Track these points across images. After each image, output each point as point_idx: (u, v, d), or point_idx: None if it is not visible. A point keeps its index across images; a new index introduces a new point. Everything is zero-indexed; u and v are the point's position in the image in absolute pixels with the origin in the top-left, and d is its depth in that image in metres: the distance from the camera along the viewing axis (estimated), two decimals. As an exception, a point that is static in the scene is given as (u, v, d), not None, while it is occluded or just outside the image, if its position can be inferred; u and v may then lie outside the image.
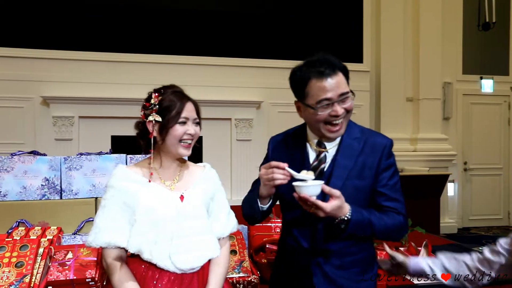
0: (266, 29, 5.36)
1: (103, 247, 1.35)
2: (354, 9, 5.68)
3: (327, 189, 1.29)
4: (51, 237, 1.96)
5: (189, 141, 1.41)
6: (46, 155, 2.28)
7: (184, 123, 1.39)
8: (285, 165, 1.34)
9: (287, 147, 1.53)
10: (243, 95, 5.22)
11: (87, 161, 2.25)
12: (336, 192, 1.29)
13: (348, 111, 1.40)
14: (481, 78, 6.41)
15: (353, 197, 1.38)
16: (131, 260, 1.39)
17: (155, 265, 1.33)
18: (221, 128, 5.18)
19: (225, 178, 5.07)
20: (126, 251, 1.37)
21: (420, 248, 2.13)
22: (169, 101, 1.38)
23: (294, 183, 1.28)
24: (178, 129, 1.37)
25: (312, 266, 1.43)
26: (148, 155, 1.45)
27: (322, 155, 1.46)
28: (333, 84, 1.35)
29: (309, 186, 1.26)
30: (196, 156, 4.86)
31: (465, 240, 5.39)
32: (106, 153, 2.37)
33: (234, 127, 5.19)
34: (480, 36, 6.23)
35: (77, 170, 2.24)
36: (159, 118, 1.36)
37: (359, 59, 5.64)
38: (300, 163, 1.45)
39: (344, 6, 5.64)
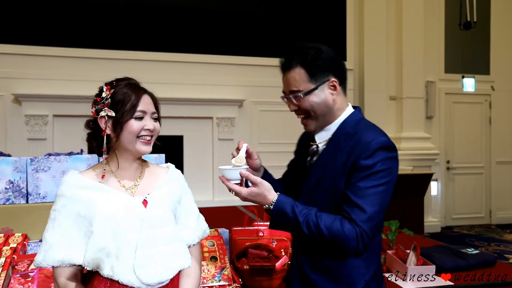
0: (248, 27, 5.25)
1: (55, 266, 1.18)
2: (337, 7, 5.63)
3: (245, 174, 1.27)
4: (14, 245, 1.80)
5: (148, 137, 1.26)
6: (10, 156, 2.12)
7: (141, 118, 1.23)
8: (242, 143, 1.36)
9: (307, 140, 1.48)
10: (225, 93, 5.11)
11: (55, 162, 2.09)
12: (256, 179, 1.27)
13: (302, 109, 1.32)
14: (463, 77, 6.44)
15: (324, 198, 1.29)
16: (90, 277, 1.23)
17: (117, 282, 1.17)
18: (203, 127, 5.06)
19: (206, 178, 4.94)
20: (82, 268, 1.21)
21: (408, 251, 2.04)
22: (123, 94, 1.23)
23: (220, 166, 1.33)
24: (133, 125, 1.22)
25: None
26: (104, 157, 1.29)
27: (314, 148, 1.39)
28: (285, 80, 1.34)
29: (228, 170, 1.29)
30: (177, 155, 4.78)
31: (449, 239, 5.39)
32: (77, 153, 2.21)
33: (216, 126, 5.06)
34: (462, 35, 6.26)
35: (44, 171, 2.08)
36: (112, 113, 1.21)
37: (342, 57, 5.55)
38: (305, 156, 1.44)
39: (327, 5, 5.59)
